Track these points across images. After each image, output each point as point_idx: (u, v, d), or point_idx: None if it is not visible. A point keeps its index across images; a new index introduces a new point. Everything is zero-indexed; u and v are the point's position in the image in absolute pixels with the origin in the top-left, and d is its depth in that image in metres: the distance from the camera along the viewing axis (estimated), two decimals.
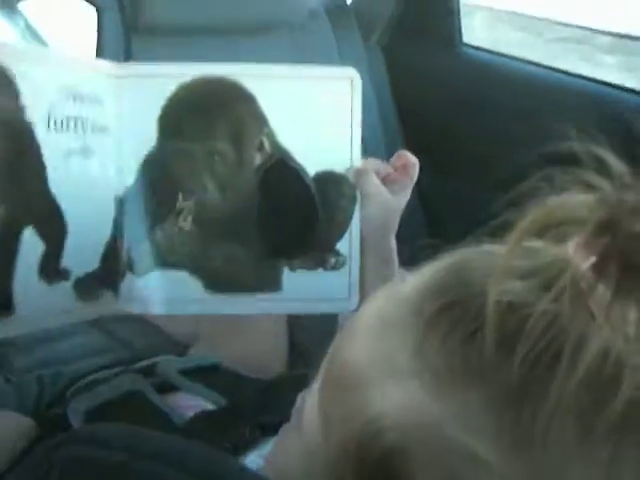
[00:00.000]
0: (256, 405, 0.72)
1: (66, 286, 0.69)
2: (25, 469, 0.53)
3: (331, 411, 0.36)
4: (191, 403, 0.74)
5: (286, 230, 0.73)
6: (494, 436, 0.30)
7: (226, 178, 0.72)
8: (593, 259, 0.31)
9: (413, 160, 0.73)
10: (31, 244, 0.66)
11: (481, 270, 0.33)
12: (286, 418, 0.70)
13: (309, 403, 0.38)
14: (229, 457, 0.53)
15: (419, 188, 1.49)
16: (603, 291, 0.30)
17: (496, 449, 0.30)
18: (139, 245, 0.72)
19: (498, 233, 0.34)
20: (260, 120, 0.71)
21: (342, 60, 1.41)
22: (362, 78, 1.40)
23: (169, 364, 0.80)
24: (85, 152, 0.69)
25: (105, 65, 0.70)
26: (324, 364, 0.38)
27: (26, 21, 0.92)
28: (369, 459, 0.33)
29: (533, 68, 1.47)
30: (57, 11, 0.97)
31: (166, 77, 0.70)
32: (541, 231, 0.32)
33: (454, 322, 0.32)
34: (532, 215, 0.32)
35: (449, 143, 1.47)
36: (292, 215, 0.73)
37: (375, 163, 0.73)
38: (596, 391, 0.30)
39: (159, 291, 0.72)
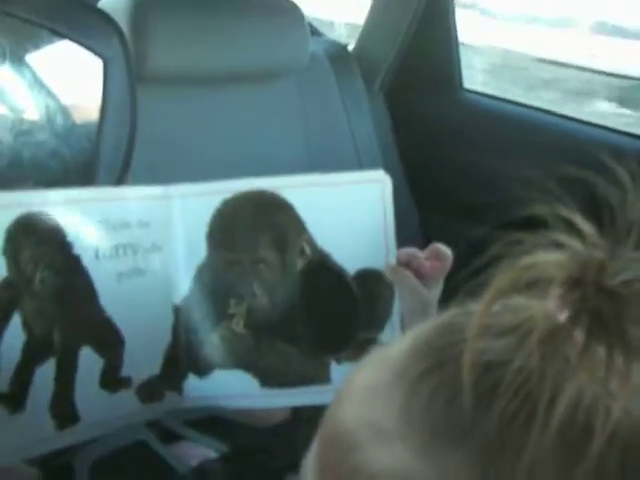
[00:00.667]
0: (259, 451, 0.73)
1: (129, 392, 0.74)
2: None
3: (328, 473, 0.37)
4: (195, 452, 0.75)
5: (330, 327, 0.79)
6: None
7: (272, 283, 0.77)
8: (566, 313, 0.32)
9: (445, 253, 0.76)
10: (90, 360, 0.71)
11: (464, 331, 0.34)
12: (291, 462, 0.70)
13: (308, 470, 0.39)
14: None
15: (425, 230, 1.52)
16: (576, 341, 0.32)
17: None
18: (198, 348, 0.78)
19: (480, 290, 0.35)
20: (299, 227, 0.76)
21: (345, 106, 1.43)
22: (365, 122, 1.44)
23: (173, 414, 0.80)
24: (137, 272, 0.74)
25: (150, 191, 0.75)
26: (319, 430, 0.39)
27: (33, 73, 0.93)
28: None
29: (534, 113, 1.48)
30: (64, 63, 0.98)
31: (210, 195, 0.75)
32: (515, 289, 0.33)
33: (437, 385, 0.34)
34: (505, 274, 0.33)
35: (452, 187, 1.49)
36: (335, 313, 0.79)
37: (408, 253, 0.75)
38: (571, 441, 0.31)
39: (220, 388, 0.78)
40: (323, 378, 0.78)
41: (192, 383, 0.78)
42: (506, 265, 0.33)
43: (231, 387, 0.78)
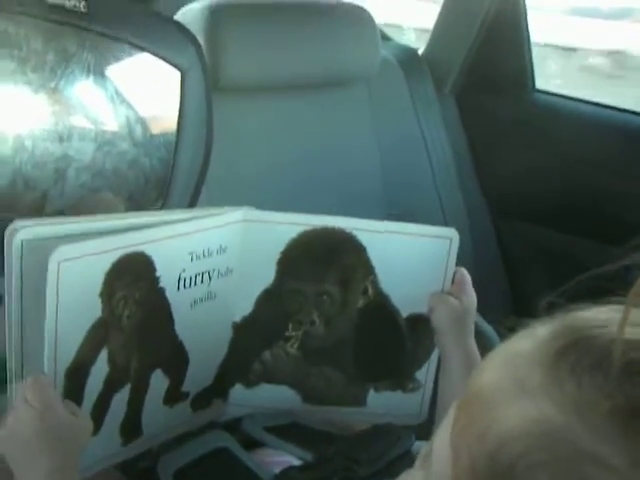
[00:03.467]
0: (343, 459, 0.73)
1: (185, 404, 0.78)
2: None
3: (462, 434, 0.39)
4: (277, 459, 0.76)
5: (377, 361, 0.84)
6: (620, 443, 0.34)
7: (331, 315, 0.81)
8: None
9: (460, 272, 0.82)
10: (158, 380, 0.74)
11: (604, 321, 0.37)
12: (374, 470, 0.72)
13: (439, 435, 0.41)
14: None
15: (498, 235, 1.50)
16: None
17: (622, 454, 0.33)
18: (250, 363, 0.82)
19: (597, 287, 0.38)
20: (367, 268, 0.80)
21: (416, 110, 1.42)
22: (436, 126, 1.43)
23: (254, 421, 0.81)
24: (209, 296, 0.76)
25: (232, 216, 0.76)
26: (457, 401, 0.41)
27: (114, 86, 0.96)
28: (498, 471, 0.36)
29: (607, 111, 1.45)
30: (143, 75, 1.00)
31: (289, 225, 0.78)
32: None
33: (582, 353, 0.36)
34: None
35: (525, 189, 1.46)
36: (384, 349, 0.84)
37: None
38: None
39: (264, 399, 0.83)
40: (360, 402, 0.84)
41: (238, 392, 0.82)
42: None
43: (274, 399, 0.83)
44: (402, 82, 1.42)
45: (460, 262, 0.84)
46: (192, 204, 1.00)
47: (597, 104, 1.48)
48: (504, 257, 1.51)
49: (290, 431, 0.81)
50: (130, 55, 0.98)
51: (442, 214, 1.41)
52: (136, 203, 0.97)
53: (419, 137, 1.41)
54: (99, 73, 0.93)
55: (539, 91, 1.54)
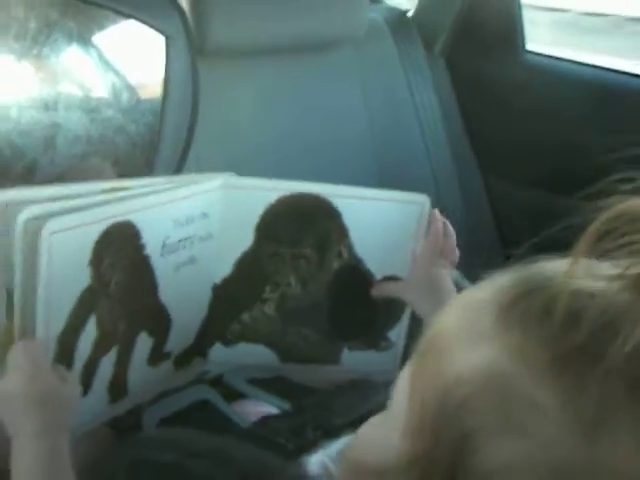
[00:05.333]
0: (319, 409, 0.76)
1: (167, 363, 0.81)
2: (97, 469, 0.58)
3: (418, 376, 0.41)
4: (257, 409, 0.79)
5: (351, 321, 0.88)
6: (555, 388, 0.36)
7: (308, 277, 0.85)
8: None
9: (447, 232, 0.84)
10: (142, 342, 0.77)
11: (559, 272, 0.39)
12: (348, 421, 0.74)
13: (399, 380, 0.43)
14: (275, 458, 0.57)
15: (490, 196, 1.51)
16: None
17: (554, 398, 0.36)
18: (229, 323, 0.85)
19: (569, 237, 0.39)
20: (342, 233, 0.84)
21: (405, 72, 1.43)
22: (426, 88, 1.44)
23: (237, 374, 0.84)
24: (191, 260, 0.79)
25: (213, 182, 0.79)
26: (416, 348, 0.43)
27: (99, 52, 0.97)
28: (445, 412, 0.38)
29: (598, 71, 1.45)
30: (127, 41, 1.01)
31: (267, 190, 0.81)
32: (621, 222, 0.37)
33: (533, 302, 0.38)
34: (614, 207, 0.37)
35: (515, 151, 1.47)
36: (357, 310, 0.87)
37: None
38: None
39: (242, 358, 0.87)
40: (334, 360, 0.88)
41: (217, 350, 0.86)
42: (616, 200, 0.37)
43: (252, 357, 0.86)
44: (391, 44, 1.42)
45: (451, 222, 0.86)
46: (179, 169, 1.02)
47: (587, 64, 1.48)
48: (495, 216, 1.53)
49: (271, 384, 0.84)
50: (114, 22, 0.99)
51: (432, 176, 1.43)
52: (124, 169, 0.99)
53: (408, 99, 1.42)
54: (83, 40, 0.94)
55: (529, 52, 1.54)
